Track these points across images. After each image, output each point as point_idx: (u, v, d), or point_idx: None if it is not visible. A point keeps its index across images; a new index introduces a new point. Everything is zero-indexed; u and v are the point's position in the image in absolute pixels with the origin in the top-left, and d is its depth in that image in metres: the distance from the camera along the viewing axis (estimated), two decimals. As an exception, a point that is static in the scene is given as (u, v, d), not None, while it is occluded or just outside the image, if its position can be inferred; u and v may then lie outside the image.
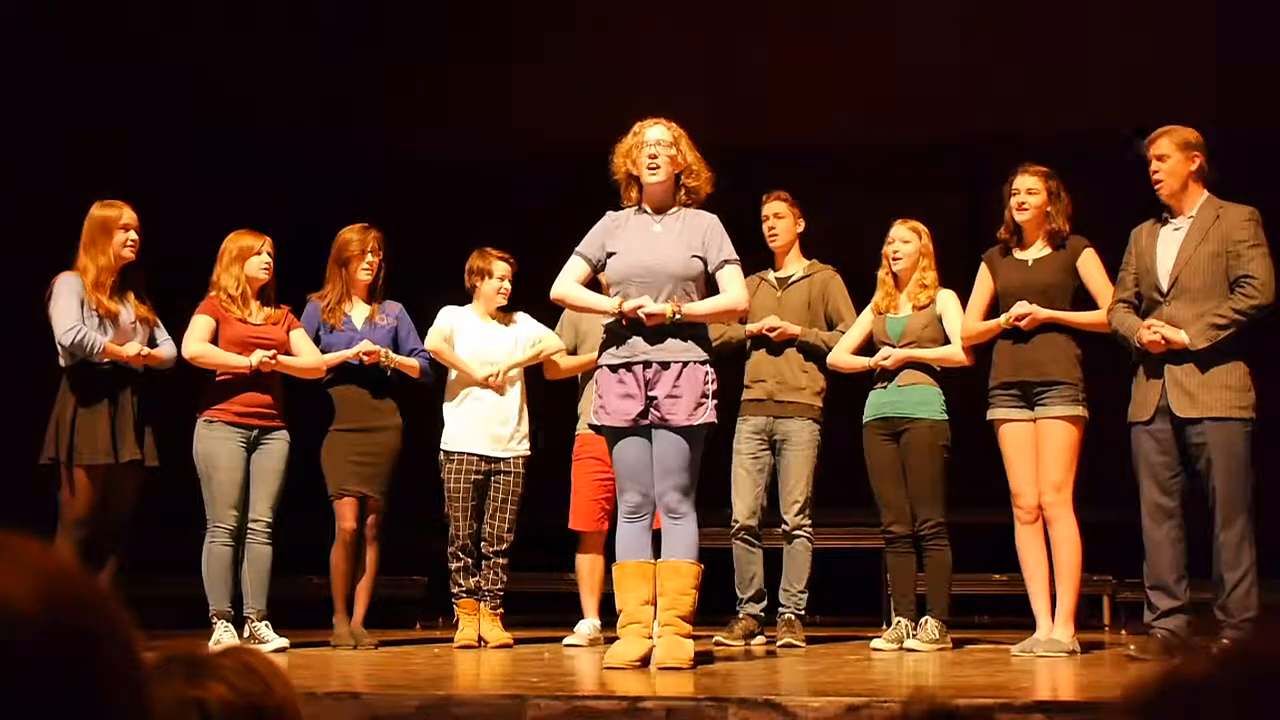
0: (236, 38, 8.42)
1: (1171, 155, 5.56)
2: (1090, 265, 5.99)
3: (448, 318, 6.85)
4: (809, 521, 6.64)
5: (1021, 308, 5.92)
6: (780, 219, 6.87)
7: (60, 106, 7.81)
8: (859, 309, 6.71)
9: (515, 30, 8.67)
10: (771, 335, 6.66)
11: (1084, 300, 5.99)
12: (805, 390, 6.68)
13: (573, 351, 6.95)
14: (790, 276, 6.86)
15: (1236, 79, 8.25)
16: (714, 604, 6.25)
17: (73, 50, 7.88)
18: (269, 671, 1.33)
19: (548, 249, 6.92)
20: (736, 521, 6.66)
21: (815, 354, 6.71)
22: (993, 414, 6.04)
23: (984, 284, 6.19)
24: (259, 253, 6.51)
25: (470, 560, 6.73)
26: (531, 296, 6.91)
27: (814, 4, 8.50)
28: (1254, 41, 8.02)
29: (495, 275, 6.83)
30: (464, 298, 6.97)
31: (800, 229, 6.91)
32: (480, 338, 6.83)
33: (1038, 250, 6.07)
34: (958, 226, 8.22)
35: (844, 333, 6.68)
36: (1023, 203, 6.03)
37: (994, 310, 6.13)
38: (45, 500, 6.03)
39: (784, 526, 6.64)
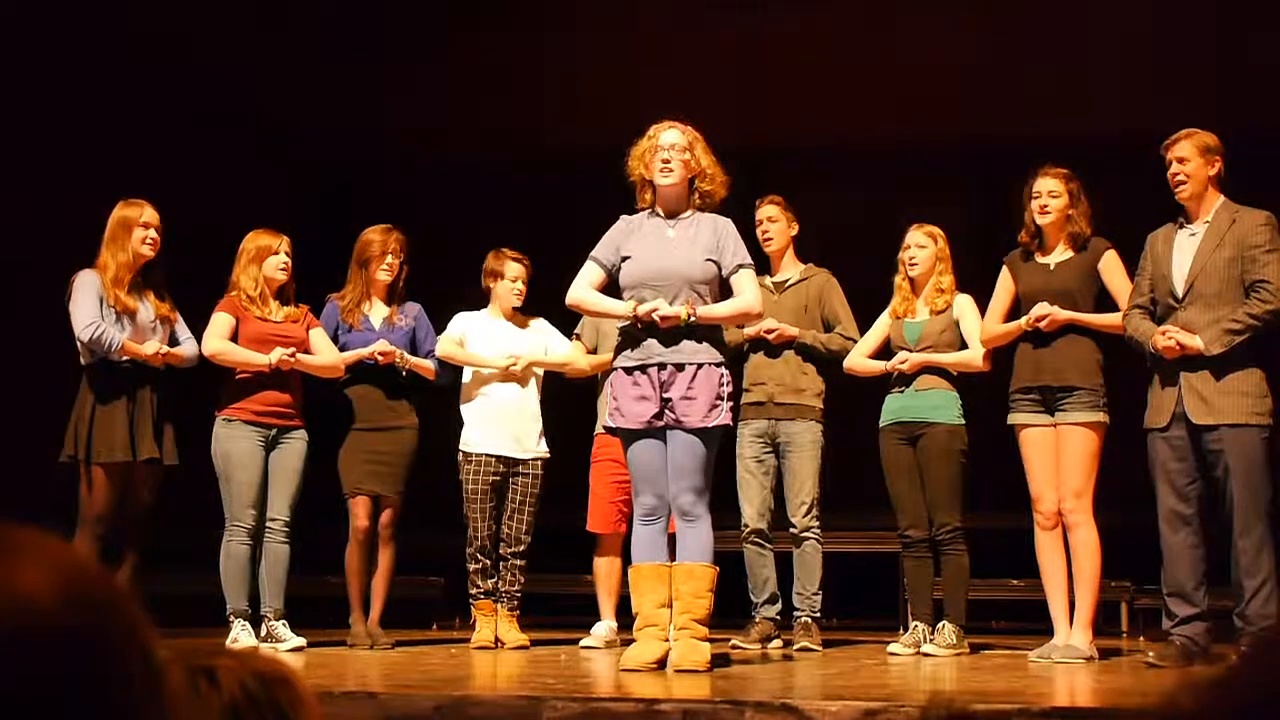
0: (237, 38, 8.44)
1: (1192, 159, 5.53)
2: (1111, 267, 5.97)
3: (460, 324, 6.87)
4: (817, 523, 6.63)
5: (1041, 309, 5.90)
6: (774, 223, 6.87)
7: (60, 106, 7.84)
8: (870, 312, 6.70)
9: (515, 30, 8.67)
10: (769, 337, 6.66)
11: (1107, 303, 5.97)
12: (806, 392, 6.67)
13: (593, 352, 6.96)
14: (786, 280, 6.86)
15: (1248, 79, 8.21)
16: (729, 608, 6.25)
17: (73, 50, 7.91)
18: (274, 655, 1.35)
19: (549, 250, 6.94)
20: (746, 525, 6.66)
21: (814, 356, 6.70)
22: (1013, 419, 6.02)
23: (1005, 287, 6.17)
24: (276, 252, 6.53)
25: (488, 561, 6.74)
26: (534, 298, 6.91)
27: (821, 2, 8.49)
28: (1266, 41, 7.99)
29: (508, 276, 6.85)
30: (464, 298, 6.98)
31: (794, 232, 6.91)
32: (496, 340, 6.84)
33: (1059, 254, 6.05)
34: (968, 229, 8.19)
35: (843, 335, 6.69)
36: (1044, 205, 6.01)
37: (1014, 314, 6.11)
38: (65, 498, 6.06)
39: (792, 529, 6.64)
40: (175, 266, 6.44)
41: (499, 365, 6.73)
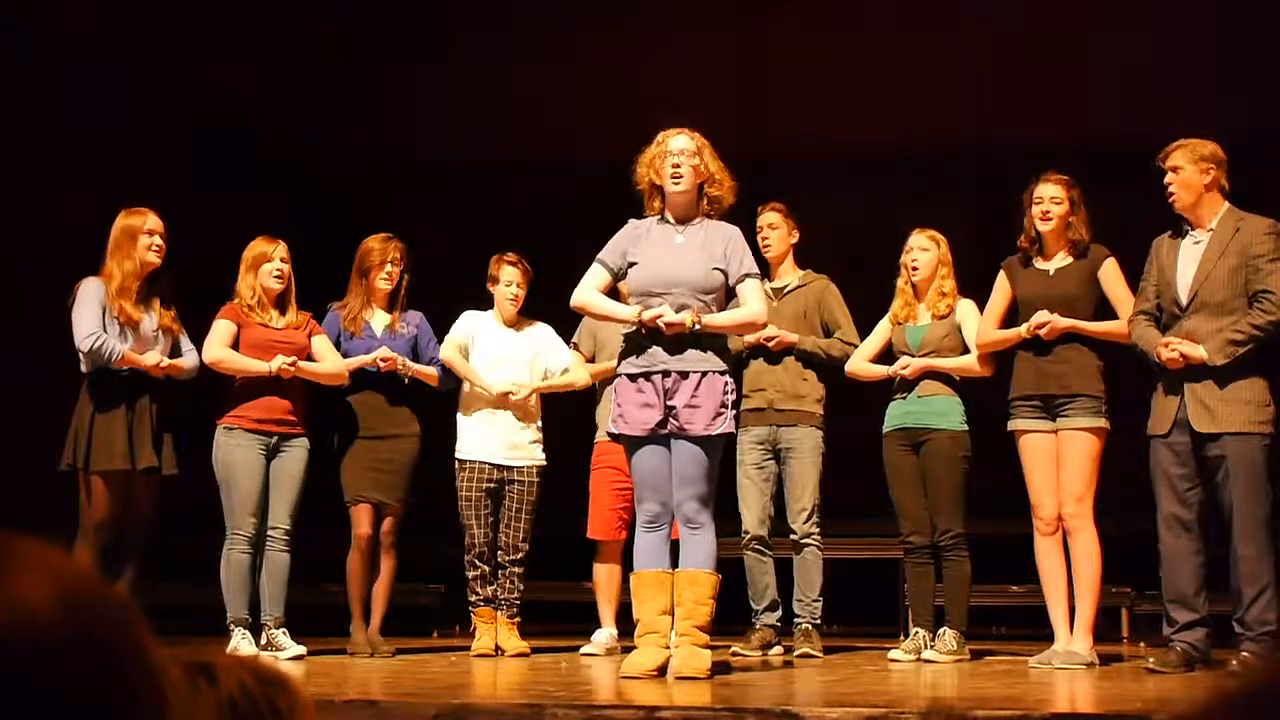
0: (237, 38, 8.43)
1: (1184, 168, 5.52)
2: (1111, 275, 5.96)
3: (466, 324, 6.84)
4: (818, 529, 6.63)
5: (1041, 316, 5.89)
6: (774, 229, 6.87)
7: (60, 107, 7.83)
8: (870, 316, 6.69)
9: (515, 31, 8.67)
10: (769, 344, 6.65)
11: (1106, 311, 5.96)
12: (806, 398, 6.67)
13: (591, 359, 6.94)
14: (785, 286, 6.86)
15: (1248, 79, 8.20)
16: (729, 615, 6.23)
17: (73, 50, 7.90)
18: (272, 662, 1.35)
19: (549, 250, 6.92)
20: (747, 532, 6.65)
21: (814, 362, 6.70)
22: (1014, 425, 6.01)
23: (1001, 292, 6.16)
24: (270, 259, 6.50)
25: (487, 569, 6.72)
26: (534, 298, 6.89)
27: (823, 5, 8.48)
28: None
29: (502, 281, 6.82)
30: (465, 299, 6.97)
31: (794, 240, 6.90)
32: (497, 344, 6.81)
33: (1059, 260, 6.04)
34: (967, 233, 8.17)
35: (843, 340, 6.69)
36: (1046, 211, 5.99)
37: (1010, 320, 6.10)
38: (66, 506, 6.04)
39: (793, 535, 6.63)
40: (173, 266, 6.42)
41: (496, 392, 6.69)
